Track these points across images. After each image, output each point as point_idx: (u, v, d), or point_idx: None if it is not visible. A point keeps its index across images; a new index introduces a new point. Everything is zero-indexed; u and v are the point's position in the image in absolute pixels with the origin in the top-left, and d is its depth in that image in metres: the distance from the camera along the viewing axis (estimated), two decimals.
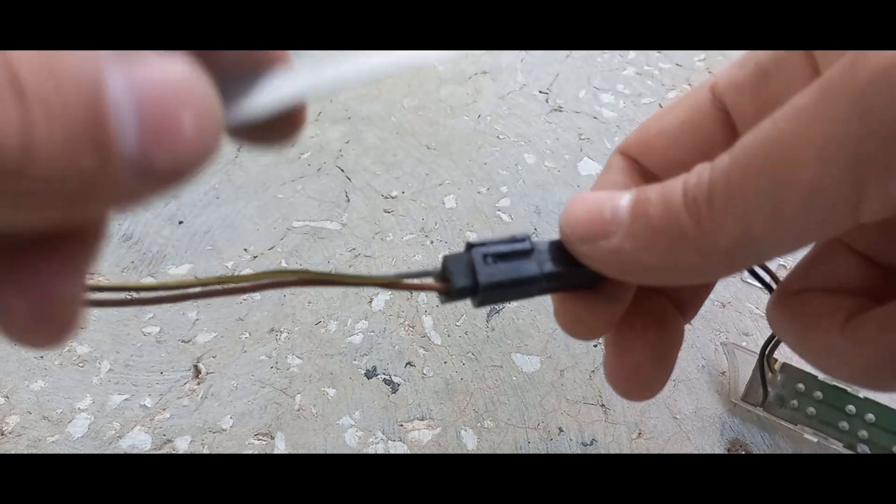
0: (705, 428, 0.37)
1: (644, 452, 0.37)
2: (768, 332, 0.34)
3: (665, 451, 0.37)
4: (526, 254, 0.16)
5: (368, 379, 0.41)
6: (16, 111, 0.06)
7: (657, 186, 0.14)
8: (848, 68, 0.10)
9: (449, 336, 0.44)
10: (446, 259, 0.16)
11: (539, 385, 0.41)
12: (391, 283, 0.15)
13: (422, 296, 0.47)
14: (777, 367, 0.35)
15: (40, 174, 0.07)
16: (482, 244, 0.16)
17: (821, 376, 0.34)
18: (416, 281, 0.16)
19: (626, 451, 0.37)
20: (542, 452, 0.37)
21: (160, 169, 0.08)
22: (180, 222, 0.53)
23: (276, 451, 0.37)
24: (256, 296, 0.47)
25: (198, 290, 0.13)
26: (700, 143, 0.17)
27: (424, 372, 0.42)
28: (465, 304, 0.46)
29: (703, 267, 0.13)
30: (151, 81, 0.07)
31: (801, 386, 0.34)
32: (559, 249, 0.16)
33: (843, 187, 0.10)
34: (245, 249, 0.51)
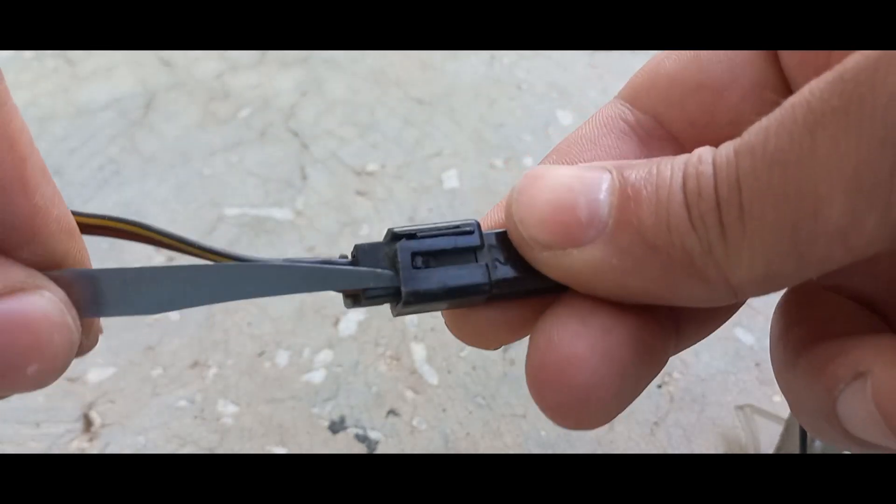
0: None
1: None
2: None
3: None
4: (471, 252, 0.16)
5: (334, 434, 0.41)
6: None
7: (643, 172, 0.14)
8: (862, 85, 0.11)
9: (450, 373, 0.44)
10: (359, 252, 0.16)
11: (579, 443, 0.41)
12: None
13: (411, 316, 0.47)
14: None
15: None
16: (412, 235, 0.16)
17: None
18: None
19: None
20: None
21: None
22: None
23: None
24: (173, 315, 0.47)
25: None
26: (745, 90, 0.18)
27: (414, 424, 0.42)
28: None
29: (706, 298, 0.14)
30: (10, 325, 0.12)
31: None
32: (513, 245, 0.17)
33: (881, 221, 0.12)
34: (157, 248, 0.51)
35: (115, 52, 0.73)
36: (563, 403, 0.15)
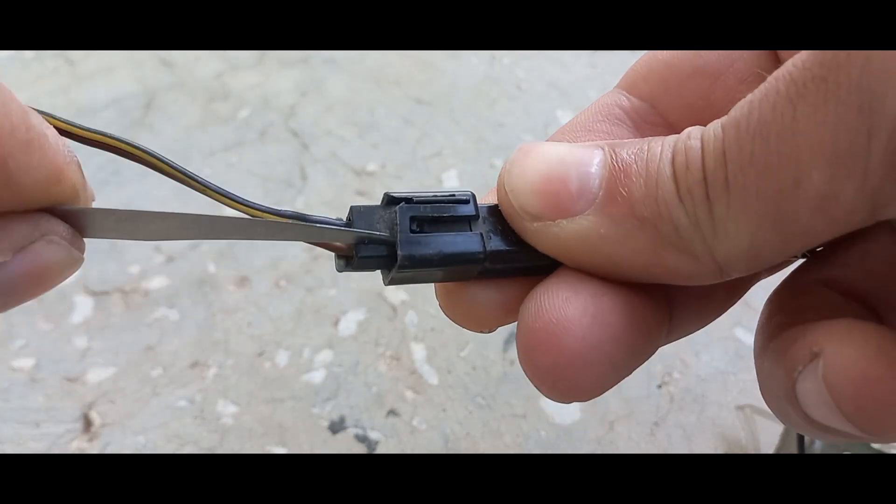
0: None
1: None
2: None
3: None
4: (467, 221, 0.16)
5: (334, 434, 0.41)
6: None
7: (635, 148, 0.15)
8: (840, 53, 0.12)
9: (450, 372, 0.44)
10: (354, 214, 0.16)
11: (579, 443, 0.41)
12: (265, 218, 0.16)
13: (411, 316, 0.47)
14: None
15: None
16: (409, 200, 0.16)
17: (877, 444, 0.34)
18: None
19: None
20: None
21: None
22: None
23: None
24: (173, 315, 0.47)
25: None
26: (742, 73, 0.18)
27: (414, 424, 0.42)
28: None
29: (692, 273, 0.14)
30: (27, 276, 0.13)
31: None
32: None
33: (859, 188, 0.12)
34: (157, 248, 0.51)
35: (115, 52, 0.73)
36: (554, 367, 0.15)
